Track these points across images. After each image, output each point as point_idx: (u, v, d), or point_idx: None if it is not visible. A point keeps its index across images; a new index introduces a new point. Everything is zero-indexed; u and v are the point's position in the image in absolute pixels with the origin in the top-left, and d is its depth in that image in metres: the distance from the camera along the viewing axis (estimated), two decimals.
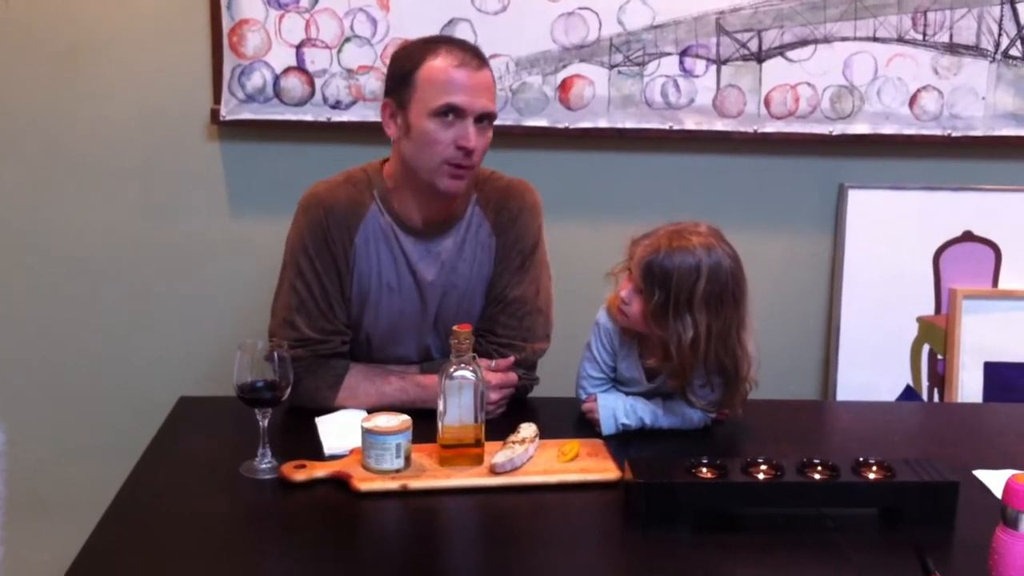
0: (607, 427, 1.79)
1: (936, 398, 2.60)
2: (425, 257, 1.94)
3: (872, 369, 2.60)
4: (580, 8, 2.40)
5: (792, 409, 2.11)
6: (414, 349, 2.00)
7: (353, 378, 1.89)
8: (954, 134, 2.51)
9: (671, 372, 1.76)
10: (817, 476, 1.49)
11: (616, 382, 1.88)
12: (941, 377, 2.59)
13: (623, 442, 1.76)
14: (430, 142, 1.83)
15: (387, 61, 2.38)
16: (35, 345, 2.57)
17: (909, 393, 2.60)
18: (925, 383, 2.61)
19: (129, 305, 2.57)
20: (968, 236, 2.58)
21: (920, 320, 2.60)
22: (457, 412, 1.61)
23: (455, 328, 1.61)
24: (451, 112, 1.81)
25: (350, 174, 1.97)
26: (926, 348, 2.61)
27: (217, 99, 2.42)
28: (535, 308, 1.97)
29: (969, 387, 2.57)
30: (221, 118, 2.42)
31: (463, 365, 1.60)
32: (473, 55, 1.84)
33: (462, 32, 2.39)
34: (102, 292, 2.55)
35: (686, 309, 1.70)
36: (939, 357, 2.60)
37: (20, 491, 2.36)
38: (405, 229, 1.93)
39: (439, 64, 1.82)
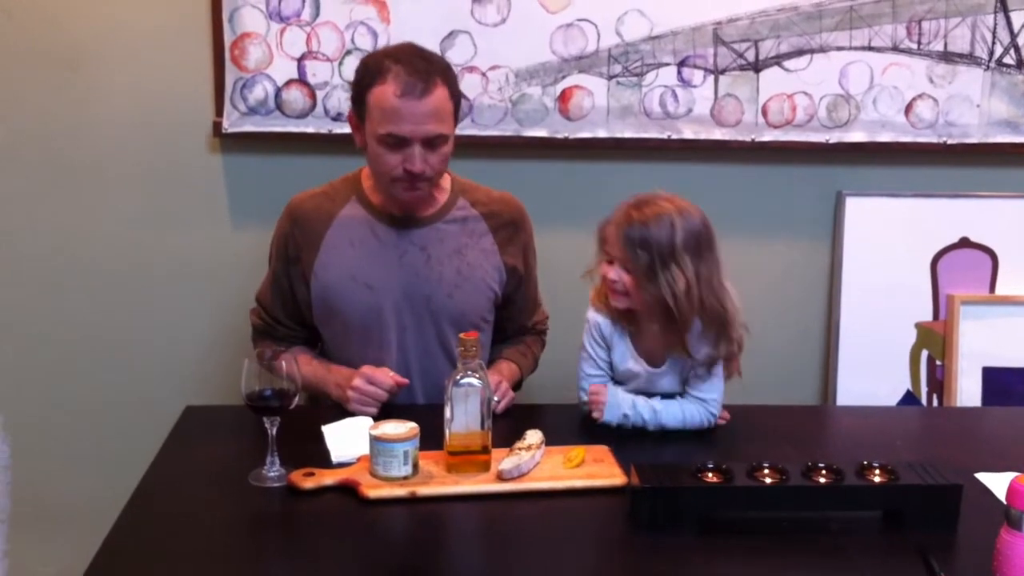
0: (610, 414, 1.82)
1: (935, 403, 2.62)
2: (409, 248, 2.01)
3: (871, 375, 2.62)
4: (579, 20, 2.42)
5: (794, 414, 2.13)
6: (394, 350, 2.03)
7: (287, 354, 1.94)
8: (949, 141, 2.53)
9: (673, 327, 1.82)
10: (822, 480, 1.51)
11: (614, 381, 1.90)
12: (940, 383, 2.61)
13: (628, 448, 1.77)
14: (380, 162, 1.92)
15: None
16: (36, 356, 2.58)
17: (909, 398, 2.62)
18: (924, 389, 2.63)
19: (130, 317, 2.57)
20: (965, 242, 2.61)
21: (919, 326, 2.62)
22: (464, 419, 1.62)
23: (461, 336, 1.63)
24: (395, 140, 1.87)
25: (332, 183, 2.09)
26: (925, 354, 2.62)
27: (219, 111, 2.44)
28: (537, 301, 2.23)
29: (968, 392, 2.58)
30: (223, 130, 2.44)
31: (470, 372, 1.61)
32: (420, 78, 1.85)
33: (462, 45, 2.41)
34: (103, 303, 2.56)
35: (671, 261, 1.78)
36: (938, 363, 2.62)
37: (24, 504, 2.38)
38: (382, 219, 2.01)
39: (384, 92, 1.86)
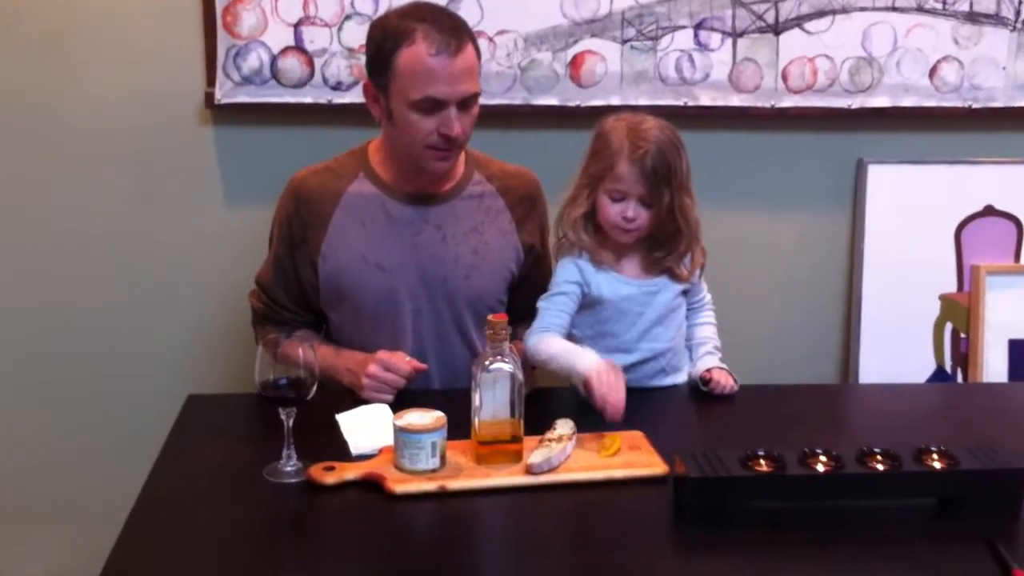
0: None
1: (960, 377, 2.54)
2: (423, 226, 1.91)
3: (894, 349, 2.53)
4: None
5: (825, 393, 2.08)
6: (409, 334, 1.93)
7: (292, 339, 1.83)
8: (975, 106, 2.44)
9: (658, 248, 1.85)
10: (879, 466, 1.41)
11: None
12: (964, 356, 2.53)
13: (662, 433, 1.66)
14: (412, 131, 1.80)
15: None
16: (19, 342, 2.45)
17: (940, 374, 2.54)
18: (948, 362, 2.55)
19: (120, 300, 2.45)
20: (989, 210, 2.52)
21: (942, 298, 2.54)
22: (492, 406, 1.52)
23: (490, 318, 1.52)
24: (432, 103, 1.76)
25: (337, 158, 1.98)
26: (949, 327, 2.54)
27: (211, 81, 2.31)
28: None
29: (993, 365, 2.51)
30: (215, 101, 2.31)
31: (499, 357, 1.51)
32: (452, 35, 1.76)
33: (468, 8, 2.28)
34: (91, 286, 2.43)
35: (682, 191, 1.80)
36: (962, 336, 2.53)
37: (8, 498, 2.28)
38: (395, 196, 1.91)
39: (416, 53, 1.75)
